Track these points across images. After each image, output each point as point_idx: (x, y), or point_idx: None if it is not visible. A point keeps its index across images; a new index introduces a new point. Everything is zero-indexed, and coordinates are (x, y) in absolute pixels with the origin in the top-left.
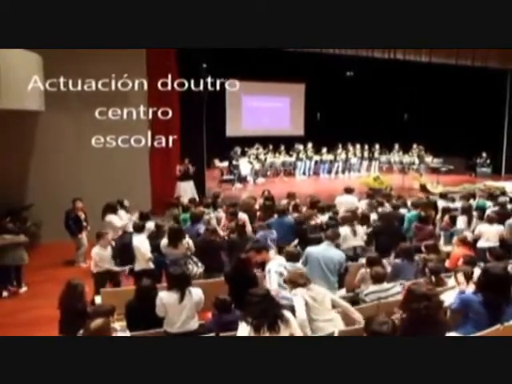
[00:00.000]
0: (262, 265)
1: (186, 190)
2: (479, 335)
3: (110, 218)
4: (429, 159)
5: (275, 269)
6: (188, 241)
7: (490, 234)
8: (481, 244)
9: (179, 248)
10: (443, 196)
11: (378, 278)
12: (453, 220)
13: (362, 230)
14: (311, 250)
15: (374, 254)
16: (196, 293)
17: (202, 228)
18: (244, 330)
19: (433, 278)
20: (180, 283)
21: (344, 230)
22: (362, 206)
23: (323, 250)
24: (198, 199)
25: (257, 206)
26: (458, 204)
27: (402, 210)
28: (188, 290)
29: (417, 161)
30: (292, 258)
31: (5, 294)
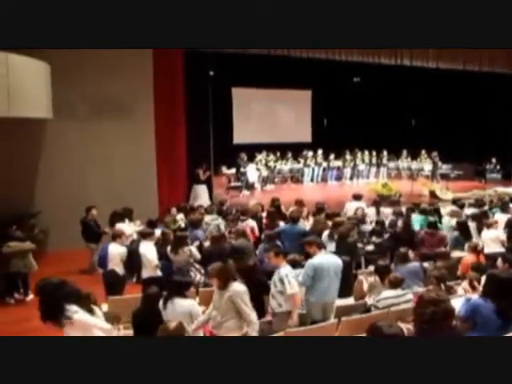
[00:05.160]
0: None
1: (202, 194)
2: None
3: (119, 226)
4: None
5: (292, 274)
6: (190, 248)
7: (488, 240)
8: (486, 250)
9: (180, 254)
10: (455, 202)
11: (395, 283)
12: (460, 226)
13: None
14: (319, 261)
15: (383, 263)
16: (184, 303)
17: (199, 233)
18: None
19: (442, 286)
20: (168, 289)
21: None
22: (370, 212)
23: (329, 258)
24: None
25: (264, 214)
26: (468, 211)
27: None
28: (171, 299)
29: (430, 167)
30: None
31: (11, 301)
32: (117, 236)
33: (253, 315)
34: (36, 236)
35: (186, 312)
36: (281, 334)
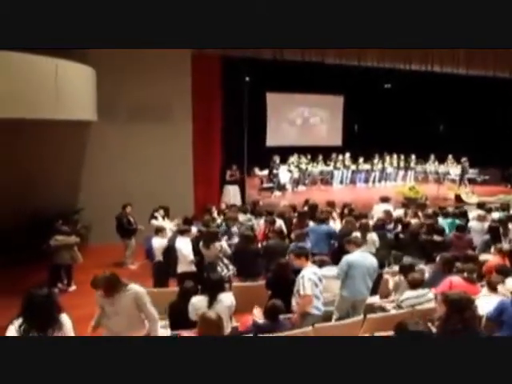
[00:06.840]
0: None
1: (233, 194)
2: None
3: (154, 222)
4: None
5: (309, 276)
6: (221, 244)
7: None
8: None
9: (211, 249)
10: (480, 206)
11: (414, 284)
12: (492, 230)
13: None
14: (353, 258)
15: (407, 262)
16: (227, 298)
17: (233, 231)
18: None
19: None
20: (211, 289)
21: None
22: (398, 214)
23: (364, 258)
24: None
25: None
26: (495, 215)
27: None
28: (218, 296)
29: (457, 171)
30: (324, 264)
31: (55, 291)
32: (159, 231)
33: (156, 313)
34: (79, 231)
35: (231, 305)
36: (302, 330)
